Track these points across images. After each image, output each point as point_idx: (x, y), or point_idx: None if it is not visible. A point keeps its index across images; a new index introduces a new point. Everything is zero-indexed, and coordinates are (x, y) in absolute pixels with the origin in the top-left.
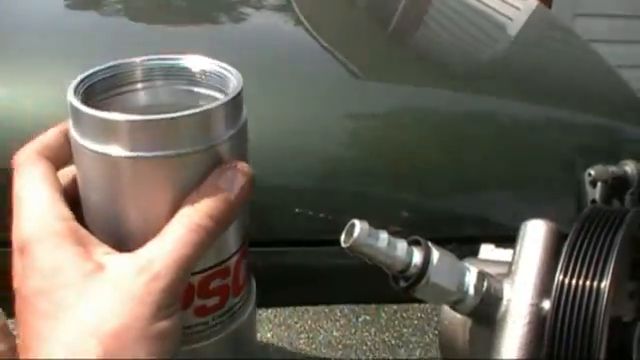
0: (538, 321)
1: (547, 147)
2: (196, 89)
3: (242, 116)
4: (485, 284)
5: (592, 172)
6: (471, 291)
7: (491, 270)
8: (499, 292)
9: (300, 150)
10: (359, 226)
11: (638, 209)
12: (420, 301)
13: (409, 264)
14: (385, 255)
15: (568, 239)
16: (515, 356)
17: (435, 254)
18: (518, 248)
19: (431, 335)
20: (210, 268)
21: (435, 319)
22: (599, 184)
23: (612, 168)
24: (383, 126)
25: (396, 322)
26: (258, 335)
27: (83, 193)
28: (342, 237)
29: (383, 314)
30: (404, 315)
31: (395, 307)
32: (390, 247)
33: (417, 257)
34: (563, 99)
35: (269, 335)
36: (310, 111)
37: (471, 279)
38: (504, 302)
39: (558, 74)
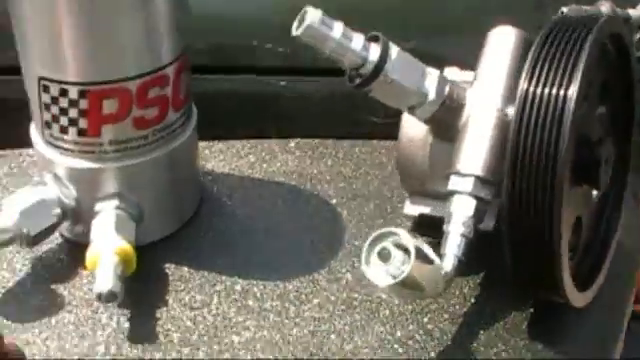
0: (504, 128)
1: None
2: None
3: None
4: (447, 88)
5: (565, 10)
6: (432, 94)
7: None
8: (462, 98)
9: None
10: (312, 12)
11: (611, 15)
12: (381, 137)
13: (365, 59)
14: (339, 45)
15: (534, 44)
16: (479, 163)
17: (394, 50)
18: (483, 54)
19: (390, 168)
20: (147, 74)
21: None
22: None
23: (586, 8)
24: None
25: (354, 156)
26: (209, 166)
27: None
28: (294, 25)
29: (341, 149)
30: (363, 150)
31: (354, 142)
32: (345, 38)
33: (374, 51)
34: None
35: (221, 165)
36: None
37: (432, 81)
38: (467, 108)
39: None
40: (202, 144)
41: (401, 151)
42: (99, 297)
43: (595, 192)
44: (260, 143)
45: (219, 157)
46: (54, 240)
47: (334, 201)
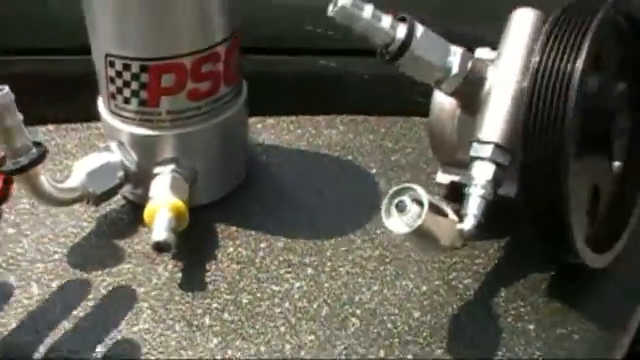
0: (520, 101)
1: None
2: None
3: None
4: (470, 63)
5: None
6: (455, 68)
7: None
8: (484, 73)
9: None
10: None
11: None
12: (422, 114)
13: (393, 37)
14: (369, 25)
15: (548, 22)
16: (498, 131)
17: (419, 29)
18: (505, 34)
19: (427, 142)
20: (200, 51)
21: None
22: None
23: None
24: None
25: (395, 131)
26: (260, 138)
27: None
28: (329, 7)
29: (383, 124)
30: (403, 126)
31: (396, 119)
32: (374, 19)
33: (401, 30)
34: None
35: (272, 138)
36: None
37: (455, 57)
38: (489, 82)
39: None
40: (254, 119)
41: (432, 123)
42: (154, 246)
43: (617, 164)
44: (308, 119)
45: (270, 131)
46: (117, 201)
47: (373, 171)
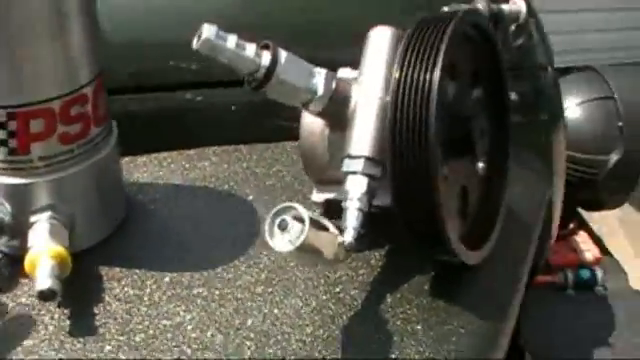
0: (385, 114)
1: None
2: None
3: None
4: (334, 84)
5: (446, 9)
6: (320, 89)
7: None
8: (348, 91)
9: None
10: (207, 27)
11: (469, 9)
12: (292, 138)
13: (259, 64)
14: (234, 54)
15: (404, 38)
16: (367, 145)
17: (283, 54)
18: (365, 52)
19: (300, 164)
20: (67, 94)
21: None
22: None
23: (465, 6)
24: None
25: (267, 157)
26: (134, 177)
27: None
28: (194, 40)
29: (255, 152)
30: (275, 152)
31: (267, 145)
32: (239, 48)
33: (266, 57)
34: None
35: (145, 175)
36: None
37: (320, 79)
38: (353, 100)
39: None
40: (127, 158)
41: (303, 144)
42: (40, 295)
43: (480, 165)
44: (180, 153)
45: (143, 169)
46: None
47: (250, 198)
